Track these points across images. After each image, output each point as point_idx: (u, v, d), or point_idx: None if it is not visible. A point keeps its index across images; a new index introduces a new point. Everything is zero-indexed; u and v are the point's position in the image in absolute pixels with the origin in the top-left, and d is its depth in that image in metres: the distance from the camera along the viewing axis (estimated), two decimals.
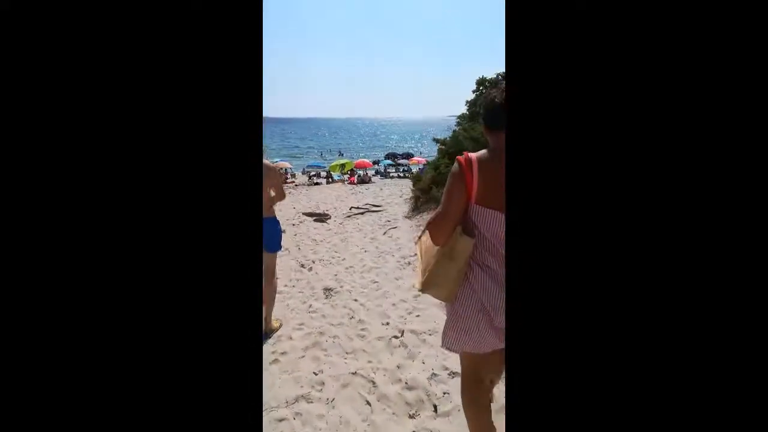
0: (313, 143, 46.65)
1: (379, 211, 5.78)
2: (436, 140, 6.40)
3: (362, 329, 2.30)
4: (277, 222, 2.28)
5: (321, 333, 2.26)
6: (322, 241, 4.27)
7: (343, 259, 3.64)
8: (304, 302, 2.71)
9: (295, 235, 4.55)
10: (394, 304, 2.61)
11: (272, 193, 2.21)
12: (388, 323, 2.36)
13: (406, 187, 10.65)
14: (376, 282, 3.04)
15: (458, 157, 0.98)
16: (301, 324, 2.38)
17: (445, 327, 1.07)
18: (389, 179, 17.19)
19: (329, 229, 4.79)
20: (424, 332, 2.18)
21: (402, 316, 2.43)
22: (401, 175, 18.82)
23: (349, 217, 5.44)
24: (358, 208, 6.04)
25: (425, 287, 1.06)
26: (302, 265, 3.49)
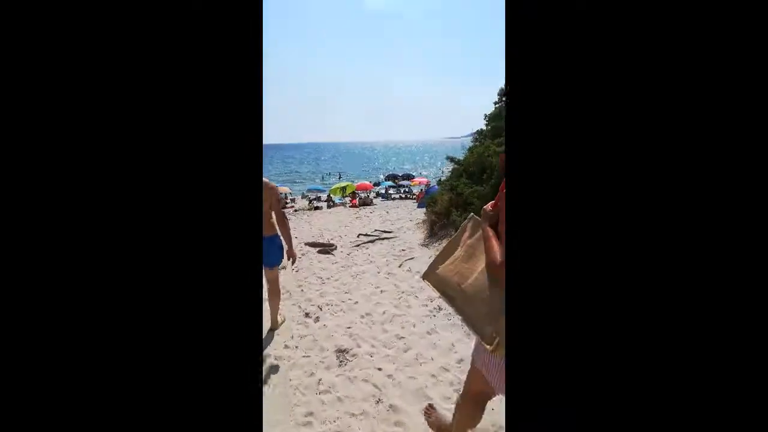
0: (312, 167, 46.53)
1: (391, 238, 5.13)
2: (451, 159, 5.85)
3: (396, 423, 1.60)
4: (278, 237, 2.33)
5: None
6: (329, 279, 3.60)
7: (356, 303, 2.96)
8: (311, 374, 2.02)
9: (297, 271, 3.88)
10: (433, 375, 1.93)
11: (273, 216, 2.25)
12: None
13: (412, 209, 10.08)
14: (403, 338, 2.35)
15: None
16: (309, 414, 1.69)
17: (484, 352, 0.99)
18: (390, 201, 16.77)
19: (336, 263, 4.13)
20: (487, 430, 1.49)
21: (448, 397, 1.74)
22: (402, 196, 18.46)
23: (357, 246, 4.78)
24: (366, 235, 5.39)
25: (502, 346, 0.89)
26: (307, 314, 2.81)
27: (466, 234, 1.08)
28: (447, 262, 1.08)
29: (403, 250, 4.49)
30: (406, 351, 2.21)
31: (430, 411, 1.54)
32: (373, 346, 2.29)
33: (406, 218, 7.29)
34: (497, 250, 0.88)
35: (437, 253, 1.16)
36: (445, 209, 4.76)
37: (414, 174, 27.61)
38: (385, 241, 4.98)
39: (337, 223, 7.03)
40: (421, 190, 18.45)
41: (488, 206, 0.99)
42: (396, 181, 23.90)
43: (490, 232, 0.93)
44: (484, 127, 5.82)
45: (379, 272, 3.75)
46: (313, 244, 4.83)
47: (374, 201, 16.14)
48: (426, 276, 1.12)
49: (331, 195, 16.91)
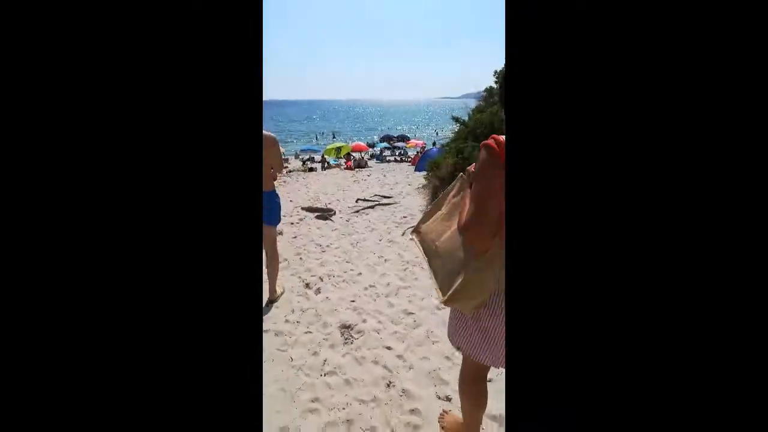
0: (304, 127, 44.84)
1: (391, 204, 4.91)
2: (456, 119, 5.49)
3: (411, 410, 1.49)
4: (277, 195, 2.29)
5: (348, 420, 1.44)
6: (328, 246, 3.41)
7: (359, 274, 2.80)
8: (314, 352, 1.88)
9: (295, 237, 3.67)
10: (447, 357, 1.80)
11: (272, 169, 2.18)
12: (448, 397, 1.55)
13: (409, 172, 9.78)
14: (411, 314, 2.22)
15: (487, 141, 0.84)
16: (315, 400, 1.56)
17: (461, 327, 1.01)
18: (386, 163, 16.42)
19: (335, 229, 3.92)
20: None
21: None
22: (398, 158, 18.05)
23: (356, 212, 4.57)
24: (365, 200, 5.16)
25: (453, 300, 0.92)
26: (307, 285, 2.64)
27: (453, 192, 1.07)
28: (431, 219, 1.08)
29: (404, 216, 4.30)
30: (415, 328, 2.08)
31: (443, 417, 1.43)
32: (379, 321, 2.15)
33: (405, 182, 7.03)
34: (465, 212, 0.87)
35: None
36: (450, 174, 4.52)
37: (409, 136, 26.88)
38: (385, 207, 4.77)
39: (334, 186, 6.74)
40: (417, 152, 18.03)
41: (470, 168, 0.98)
42: (391, 142, 23.27)
43: (468, 192, 0.91)
44: (494, 85, 5.40)
45: (380, 240, 3.57)
46: (310, 209, 4.60)
47: (369, 163, 15.76)
48: (413, 232, 1.12)
49: (326, 156, 16.37)
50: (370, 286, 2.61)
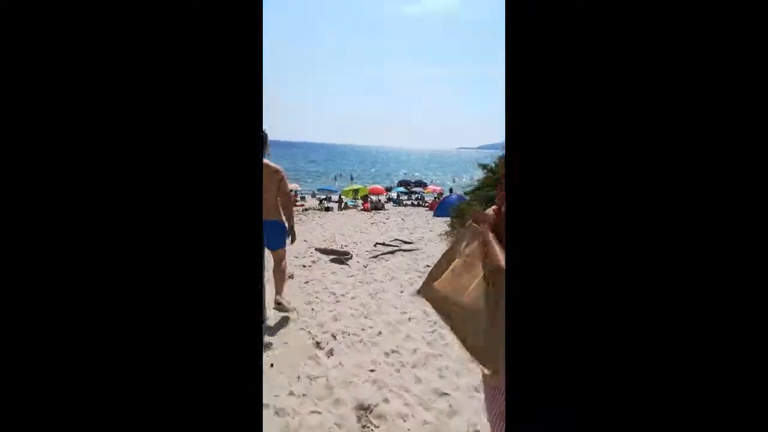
0: (322, 168, 46.09)
1: (413, 249, 4.54)
2: (483, 165, 5.27)
3: None
4: (283, 224, 2.40)
5: None
6: (343, 296, 3.03)
7: (379, 334, 2.38)
8: None
9: (307, 283, 3.31)
10: None
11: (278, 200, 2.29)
12: None
13: (428, 217, 9.50)
14: (446, 395, 1.76)
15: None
16: None
17: (495, 404, 0.93)
18: (403, 207, 16.29)
19: (352, 275, 3.55)
20: None
21: None
22: (414, 203, 17.96)
23: (375, 257, 4.21)
24: (384, 245, 4.82)
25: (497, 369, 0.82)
26: (318, 344, 2.24)
27: (464, 243, 1.00)
28: (444, 275, 0.99)
29: (427, 265, 3.90)
30: (451, 416, 1.62)
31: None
32: (406, 403, 1.71)
33: (425, 227, 6.71)
34: (499, 254, 0.84)
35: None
36: None
37: (426, 182, 27.09)
38: (406, 254, 4.40)
39: (351, 227, 6.47)
40: (435, 198, 17.93)
41: (489, 210, 0.96)
42: (408, 187, 23.41)
43: (491, 236, 0.90)
44: None
45: (402, 292, 3.17)
46: (325, 251, 4.27)
47: (386, 206, 15.69)
48: (423, 291, 1.03)
49: (343, 196, 16.40)
50: (393, 351, 2.18)
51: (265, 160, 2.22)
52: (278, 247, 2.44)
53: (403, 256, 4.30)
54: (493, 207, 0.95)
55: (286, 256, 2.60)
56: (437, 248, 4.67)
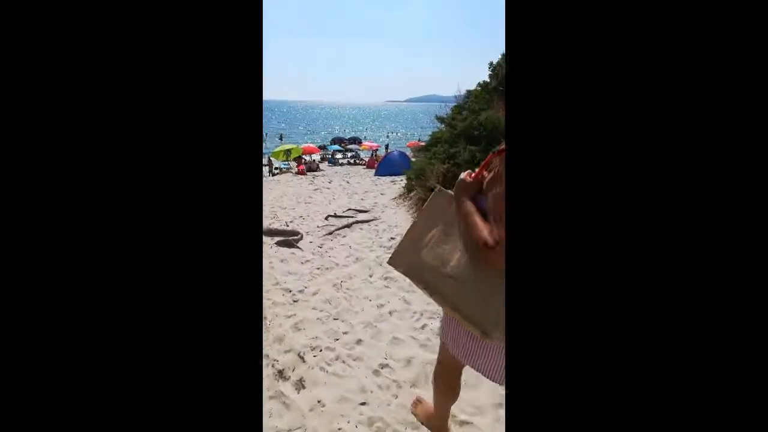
0: None
1: (370, 220, 3.99)
2: (441, 119, 4.75)
3: None
4: None
5: None
6: (302, 291, 2.41)
7: (359, 342, 1.87)
8: None
9: None
10: None
11: None
12: None
13: (369, 177, 8.96)
14: (468, 425, 1.34)
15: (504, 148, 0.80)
16: None
17: (452, 328, 0.98)
18: (339, 166, 15.49)
19: (306, 260, 2.92)
20: None
21: None
22: (350, 161, 17.21)
23: (330, 233, 3.58)
24: (337, 216, 4.18)
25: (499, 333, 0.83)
26: (281, 373, 1.65)
27: (436, 209, 0.95)
28: (420, 242, 0.95)
29: (392, 238, 3.42)
30: None
31: (416, 405, 1.42)
32: None
33: (375, 190, 6.16)
34: (483, 228, 0.81)
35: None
36: (442, 183, 3.74)
37: (360, 138, 26.01)
38: (364, 225, 3.85)
39: (292, 197, 5.63)
40: (372, 155, 17.27)
41: (465, 175, 0.91)
42: (343, 144, 22.24)
43: (471, 207, 0.86)
44: (488, 80, 4.76)
45: (371, 275, 2.65)
46: (268, 232, 3.50)
47: (321, 166, 14.68)
48: (393, 261, 0.98)
49: (273, 159, 14.79)
50: (382, 365, 1.69)
51: None
52: None
53: (361, 229, 3.73)
54: (468, 171, 0.91)
55: None
56: (397, 216, 4.19)
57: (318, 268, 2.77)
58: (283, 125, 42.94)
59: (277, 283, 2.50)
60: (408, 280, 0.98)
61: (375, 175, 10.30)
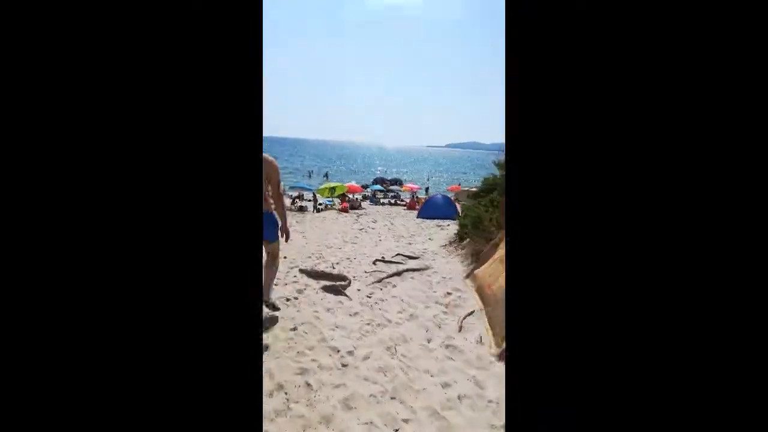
0: (289, 164, 43.76)
1: (423, 269, 3.63)
2: (499, 164, 4.46)
3: None
4: (273, 215, 2.31)
5: None
6: (351, 353, 2.06)
7: None
8: None
9: (294, 330, 2.29)
10: None
11: (269, 192, 2.14)
12: None
13: (410, 217, 8.70)
14: None
15: None
16: None
17: None
18: (380, 205, 15.53)
19: (355, 313, 2.59)
20: None
21: None
22: (391, 201, 17.24)
23: (380, 281, 3.25)
24: (385, 261, 3.87)
25: None
26: None
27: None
28: (487, 263, 1.14)
29: (449, 293, 3.02)
30: None
31: None
32: None
33: (420, 233, 5.84)
34: None
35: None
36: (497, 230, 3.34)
37: (401, 179, 26.29)
38: (415, 274, 3.49)
39: (337, 235, 5.45)
40: (412, 197, 17.21)
41: None
42: (385, 185, 22.53)
43: None
44: None
45: (429, 341, 2.26)
46: (314, 274, 3.25)
47: (362, 204, 14.78)
48: (472, 276, 1.16)
49: (318, 195, 15.14)
50: None
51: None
52: (275, 238, 2.33)
53: (412, 278, 3.38)
54: None
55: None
56: (450, 266, 3.80)
57: (368, 324, 2.42)
58: (327, 163, 44.77)
59: (323, 339, 2.18)
60: (476, 352, 0.88)
61: (417, 217, 10.06)
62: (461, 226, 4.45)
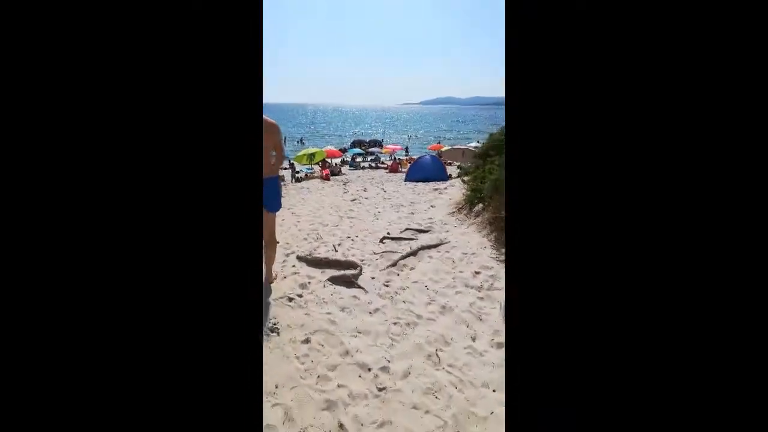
0: None
1: (438, 244, 3.18)
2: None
3: None
4: (278, 179, 2.22)
5: None
6: (385, 370, 1.62)
7: None
8: None
9: (306, 343, 1.82)
10: None
11: (273, 155, 2.07)
12: None
13: (400, 183, 8.22)
14: None
15: None
16: None
17: None
18: (360, 170, 14.92)
19: (377, 309, 2.13)
20: None
21: None
22: (372, 165, 16.58)
23: (394, 264, 2.78)
24: (393, 238, 3.39)
25: None
26: None
27: None
28: None
29: (477, 272, 2.61)
30: None
31: None
32: None
33: (420, 200, 5.37)
34: None
35: None
36: None
37: (381, 141, 25.26)
38: (432, 251, 3.04)
39: (329, 209, 4.88)
40: (395, 158, 16.54)
41: None
42: (363, 147, 21.58)
43: None
44: None
45: (474, 338, 1.85)
46: (316, 262, 2.73)
47: (342, 170, 14.06)
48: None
49: (295, 162, 14.17)
50: None
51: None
52: (277, 209, 2.19)
53: (431, 257, 2.93)
54: None
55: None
56: (469, 238, 3.36)
57: (395, 323, 1.98)
58: (296, 128, 42.59)
59: (347, 352, 1.72)
60: None
61: (405, 180, 9.55)
62: (473, 190, 3.99)
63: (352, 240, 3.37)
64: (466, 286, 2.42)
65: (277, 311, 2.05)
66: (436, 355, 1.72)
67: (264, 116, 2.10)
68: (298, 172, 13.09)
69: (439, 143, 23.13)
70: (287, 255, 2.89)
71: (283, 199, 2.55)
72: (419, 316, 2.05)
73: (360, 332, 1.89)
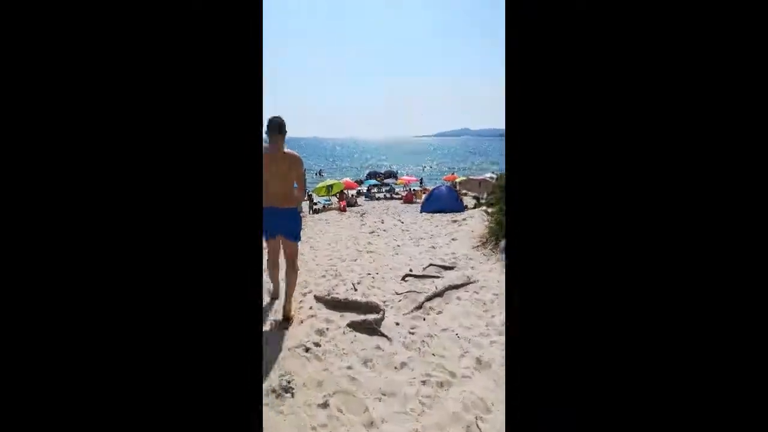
0: None
1: (466, 284, 2.92)
2: None
3: None
4: (297, 210, 2.27)
5: None
6: None
7: None
8: None
9: (325, 411, 1.57)
10: None
11: (295, 187, 2.12)
12: None
13: (416, 214, 8.05)
14: None
15: None
16: None
17: None
18: (376, 201, 14.96)
19: (404, 363, 1.88)
20: None
21: None
22: (386, 195, 16.63)
23: (419, 307, 2.53)
24: (416, 276, 3.15)
25: None
26: None
27: None
28: None
29: None
30: None
31: None
32: None
33: (440, 233, 5.14)
34: None
35: None
36: None
37: (395, 172, 25.47)
38: (461, 292, 2.78)
39: (348, 241, 4.71)
40: (409, 190, 16.53)
41: None
42: (379, 178, 21.74)
43: None
44: None
45: None
46: (334, 304, 2.51)
47: (358, 201, 14.15)
48: None
49: (314, 194, 14.30)
50: None
51: (286, 149, 2.12)
52: (298, 239, 2.26)
53: (459, 298, 2.67)
54: None
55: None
56: (494, 274, 3.10)
57: (424, 382, 1.71)
58: (316, 160, 43.71)
59: (371, 423, 1.46)
60: None
61: (421, 211, 9.39)
62: (498, 223, 3.75)
63: (372, 277, 3.15)
64: (501, 334, 2.14)
65: (292, 364, 1.82)
66: (477, 426, 1.44)
67: (288, 150, 2.17)
68: (315, 204, 13.15)
69: (454, 174, 23.13)
70: (304, 294, 2.68)
71: (301, 231, 2.39)
72: (452, 374, 1.78)
73: (385, 394, 1.63)
